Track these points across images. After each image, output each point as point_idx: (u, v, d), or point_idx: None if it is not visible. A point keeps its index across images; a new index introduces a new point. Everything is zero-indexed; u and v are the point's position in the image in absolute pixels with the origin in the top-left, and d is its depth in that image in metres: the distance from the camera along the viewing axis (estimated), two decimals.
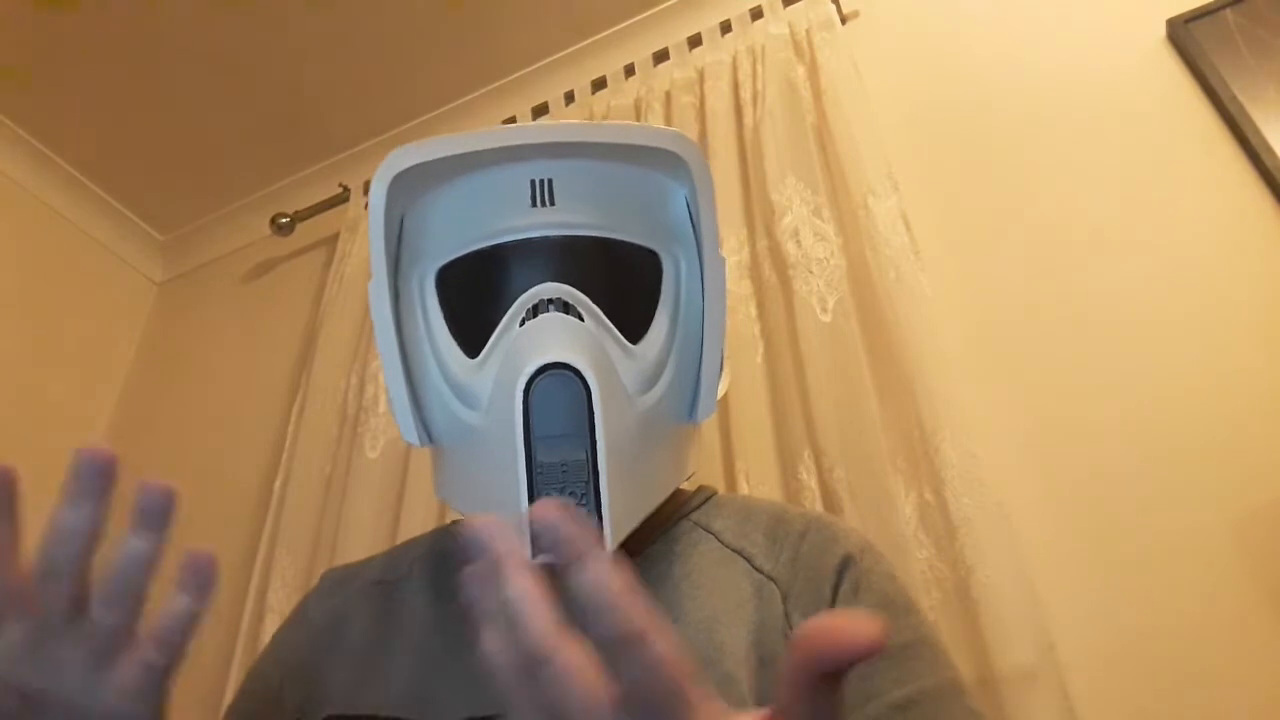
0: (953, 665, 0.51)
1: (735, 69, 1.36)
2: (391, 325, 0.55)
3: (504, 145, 0.54)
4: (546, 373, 0.48)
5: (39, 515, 0.35)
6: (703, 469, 0.66)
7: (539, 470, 0.48)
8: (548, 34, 1.64)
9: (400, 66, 1.66)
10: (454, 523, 0.68)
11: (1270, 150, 0.98)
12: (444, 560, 0.62)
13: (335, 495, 1.28)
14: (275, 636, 0.64)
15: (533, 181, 0.55)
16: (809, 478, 0.94)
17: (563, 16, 1.61)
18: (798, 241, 1.10)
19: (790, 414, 1.00)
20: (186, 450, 1.66)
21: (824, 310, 1.04)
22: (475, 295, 0.56)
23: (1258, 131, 1.00)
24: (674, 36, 1.48)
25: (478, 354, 0.54)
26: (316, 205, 1.72)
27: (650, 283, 0.58)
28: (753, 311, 1.11)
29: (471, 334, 0.55)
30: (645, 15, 1.61)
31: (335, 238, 1.66)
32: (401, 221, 0.57)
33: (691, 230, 0.59)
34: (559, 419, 0.48)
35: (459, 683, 0.51)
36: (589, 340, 0.51)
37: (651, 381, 0.54)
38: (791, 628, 0.50)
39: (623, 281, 0.56)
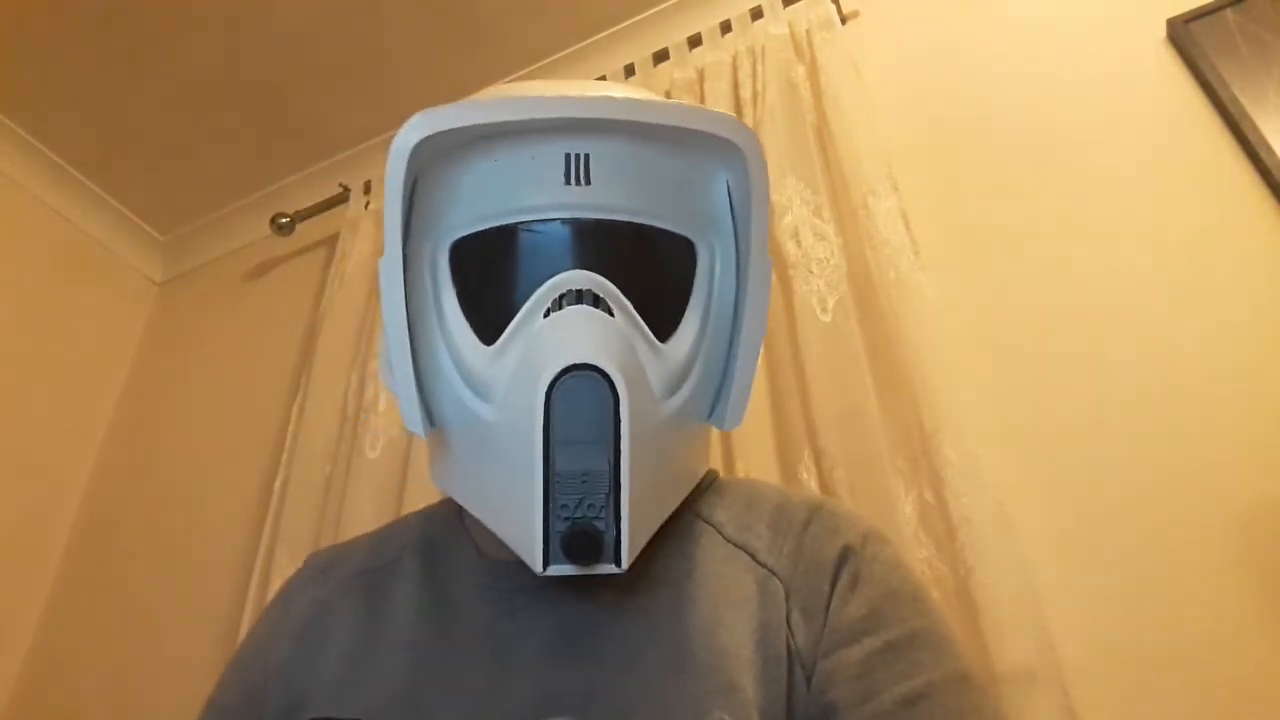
0: (960, 655, 0.48)
1: (735, 69, 1.36)
2: (402, 303, 0.50)
3: (545, 117, 0.49)
4: (572, 373, 0.44)
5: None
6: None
7: (557, 479, 0.44)
8: (547, 35, 1.64)
9: (400, 67, 1.66)
10: (443, 502, 0.63)
11: (1270, 149, 0.98)
12: (434, 548, 0.59)
13: (335, 495, 1.28)
14: (257, 629, 0.61)
15: (568, 156, 0.50)
16: (809, 478, 0.95)
17: (562, 17, 1.60)
18: (798, 241, 1.10)
19: (790, 414, 1.00)
20: (186, 450, 1.65)
21: (824, 310, 1.04)
22: (494, 276, 0.51)
23: (1257, 131, 1.00)
24: (674, 36, 1.48)
25: (494, 341, 0.49)
26: (316, 205, 1.72)
27: (684, 275, 0.53)
28: None
29: (487, 318, 0.50)
30: (645, 15, 1.61)
31: (335, 238, 1.66)
32: (413, 187, 0.52)
33: (730, 219, 0.54)
34: (582, 424, 0.45)
35: (450, 684, 0.48)
36: (619, 340, 0.47)
37: (678, 384, 0.50)
38: (790, 626, 0.48)
39: (656, 273, 0.52)
